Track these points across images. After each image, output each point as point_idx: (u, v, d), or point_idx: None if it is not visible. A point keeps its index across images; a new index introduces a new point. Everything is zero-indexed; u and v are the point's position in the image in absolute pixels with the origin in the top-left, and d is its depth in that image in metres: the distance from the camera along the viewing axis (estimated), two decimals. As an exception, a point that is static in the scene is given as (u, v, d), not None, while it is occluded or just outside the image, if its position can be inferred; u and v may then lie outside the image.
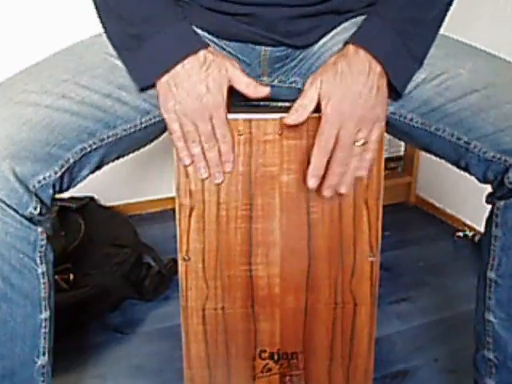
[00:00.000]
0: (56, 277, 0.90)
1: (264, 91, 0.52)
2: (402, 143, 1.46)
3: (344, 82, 0.49)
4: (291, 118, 0.51)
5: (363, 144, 0.51)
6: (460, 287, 1.06)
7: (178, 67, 0.49)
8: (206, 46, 0.51)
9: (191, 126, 0.51)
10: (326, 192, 0.53)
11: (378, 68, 0.50)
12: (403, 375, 0.84)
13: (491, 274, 0.57)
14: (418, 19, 0.52)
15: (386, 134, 0.58)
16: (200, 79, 0.49)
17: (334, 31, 0.59)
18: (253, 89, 0.51)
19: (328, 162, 0.51)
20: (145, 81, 0.51)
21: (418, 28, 0.52)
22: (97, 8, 0.54)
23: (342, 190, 0.53)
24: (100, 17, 0.54)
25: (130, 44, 0.51)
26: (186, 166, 0.54)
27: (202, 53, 0.50)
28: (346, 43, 0.52)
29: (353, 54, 0.50)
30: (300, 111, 0.51)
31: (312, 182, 0.51)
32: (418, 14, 0.52)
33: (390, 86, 0.52)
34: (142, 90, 0.52)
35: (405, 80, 0.53)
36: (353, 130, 0.50)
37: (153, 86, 0.52)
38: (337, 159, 0.51)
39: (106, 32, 0.54)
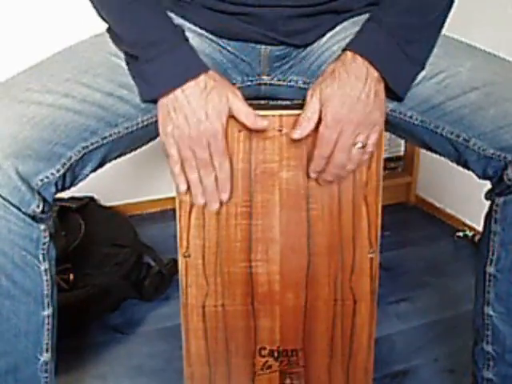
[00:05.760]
0: (56, 277, 0.91)
1: (262, 123, 0.51)
2: (402, 143, 1.47)
3: (342, 88, 0.50)
4: (297, 133, 0.52)
5: (362, 147, 0.52)
6: (460, 287, 1.06)
7: (178, 92, 0.49)
8: (207, 70, 0.50)
9: (188, 152, 0.50)
10: (321, 181, 0.56)
11: (375, 74, 0.51)
12: (403, 375, 0.84)
13: (490, 269, 0.57)
14: (417, 24, 0.53)
15: (386, 134, 0.59)
16: (199, 106, 0.49)
17: (333, 31, 0.59)
18: (252, 120, 0.51)
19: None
20: (147, 96, 0.52)
21: (417, 32, 0.53)
22: (109, 29, 0.56)
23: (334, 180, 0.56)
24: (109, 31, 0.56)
25: (134, 59, 0.52)
26: (181, 193, 0.54)
27: (202, 78, 0.49)
28: (343, 50, 0.53)
29: (350, 60, 0.51)
30: (304, 124, 0.52)
31: (313, 175, 0.55)
32: (416, 19, 0.53)
33: (390, 89, 0.52)
34: (145, 101, 0.53)
35: (404, 84, 0.54)
36: (351, 135, 0.51)
37: (155, 101, 0.52)
38: (334, 162, 0.52)
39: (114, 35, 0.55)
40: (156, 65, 0.50)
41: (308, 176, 0.55)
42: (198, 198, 0.53)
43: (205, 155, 0.51)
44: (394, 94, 0.53)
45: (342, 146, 0.51)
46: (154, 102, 0.52)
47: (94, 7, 0.55)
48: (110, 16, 0.54)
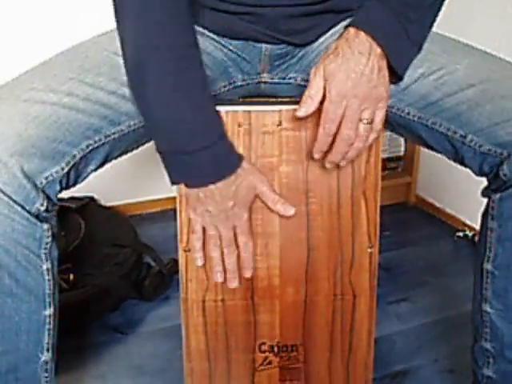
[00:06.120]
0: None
1: (289, 210, 0.56)
2: (402, 143, 1.47)
3: (346, 63, 0.50)
4: (301, 111, 0.51)
5: (368, 123, 0.51)
6: (460, 287, 1.06)
7: (211, 185, 0.51)
8: (240, 163, 0.52)
9: (214, 231, 0.54)
10: (327, 165, 0.55)
11: (378, 50, 0.50)
12: (403, 375, 0.83)
13: (488, 266, 0.58)
14: (417, 3, 0.53)
15: (385, 134, 0.59)
16: (229, 197, 0.52)
17: (333, 29, 0.60)
18: (279, 206, 0.55)
19: (334, 138, 0.52)
20: (176, 182, 0.53)
21: (417, 11, 0.53)
22: (144, 116, 0.52)
23: (342, 164, 0.54)
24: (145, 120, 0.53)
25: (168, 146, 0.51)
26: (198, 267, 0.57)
27: (234, 172, 0.51)
28: (346, 27, 0.53)
29: (353, 36, 0.51)
30: (308, 102, 0.51)
31: (317, 156, 0.54)
32: None
33: (390, 69, 0.52)
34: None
35: (405, 63, 0.54)
36: (357, 109, 0.50)
37: None
38: (343, 138, 0.51)
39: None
40: (193, 159, 0.50)
41: (311, 162, 0.55)
42: (218, 275, 0.57)
43: (230, 235, 0.54)
44: (392, 75, 0.53)
45: (348, 121, 0.50)
46: None
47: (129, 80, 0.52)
48: (150, 103, 0.50)
